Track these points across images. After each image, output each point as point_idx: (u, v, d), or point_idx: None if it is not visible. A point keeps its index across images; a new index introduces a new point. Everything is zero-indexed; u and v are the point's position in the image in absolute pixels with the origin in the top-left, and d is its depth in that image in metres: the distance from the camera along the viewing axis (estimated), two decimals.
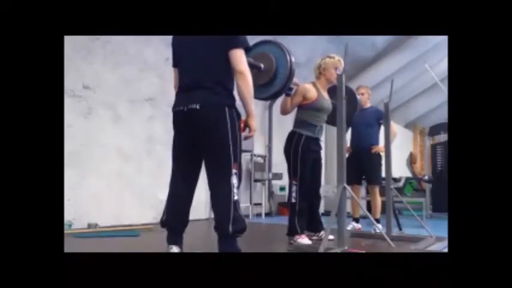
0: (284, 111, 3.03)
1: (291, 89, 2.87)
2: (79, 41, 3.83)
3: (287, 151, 3.00)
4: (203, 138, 1.97)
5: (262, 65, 2.55)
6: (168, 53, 4.54)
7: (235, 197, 1.93)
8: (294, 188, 2.90)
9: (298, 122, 3.04)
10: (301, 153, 2.92)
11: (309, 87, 3.00)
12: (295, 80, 2.83)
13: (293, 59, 2.56)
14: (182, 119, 2.01)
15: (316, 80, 3.10)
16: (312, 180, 3.07)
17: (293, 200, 2.90)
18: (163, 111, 4.67)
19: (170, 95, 4.48)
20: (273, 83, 2.59)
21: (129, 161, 4.31)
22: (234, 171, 1.94)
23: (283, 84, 2.57)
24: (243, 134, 2.07)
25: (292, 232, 2.90)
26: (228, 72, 2.00)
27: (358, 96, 3.94)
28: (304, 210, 2.91)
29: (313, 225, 3.15)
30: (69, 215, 3.58)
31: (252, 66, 2.45)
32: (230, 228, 1.88)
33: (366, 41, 6.57)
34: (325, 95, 3.09)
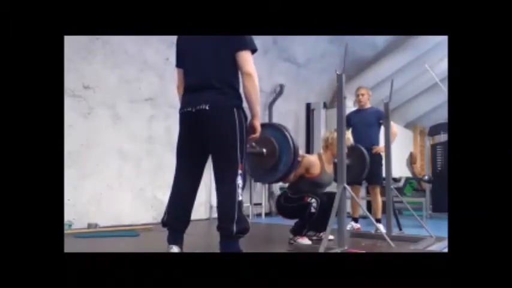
0: (286, 181, 2.99)
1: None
2: (79, 41, 3.83)
3: (282, 210, 2.99)
4: (211, 138, 1.98)
5: (264, 150, 2.52)
6: (168, 53, 4.58)
7: (240, 198, 1.94)
8: (313, 200, 2.81)
9: (292, 187, 3.00)
10: (294, 194, 2.91)
11: (313, 162, 2.98)
12: (300, 152, 2.81)
13: (293, 137, 2.53)
14: (191, 120, 2.01)
15: (323, 153, 3.09)
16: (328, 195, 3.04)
17: (312, 210, 2.79)
18: (163, 111, 4.67)
19: (170, 95, 4.49)
20: (277, 168, 2.57)
21: (129, 161, 4.31)
22: (239, 171, 1.95)
23: (288, 169, 2.56)
24: (248, 135, 2.08)
25: (296, 233, 2.91)
26: (235, 73, 2.00)
27: (360, 97, 3.97)
28: (317, 219, 2.85)
29: (319, 226, 3.13)
30: (69, 215, 3.58)
31: (254, 153, 2.44)
32: (234, 228, 1.89)
33: (366, 41, 6.57)
34: (329, 168, 3.06)
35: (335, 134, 2.93)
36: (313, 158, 3.02)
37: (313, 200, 2.81)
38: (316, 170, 2.97)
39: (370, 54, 6.98)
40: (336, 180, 3.02)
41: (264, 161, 2.43)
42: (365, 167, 3.62)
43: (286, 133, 2.54)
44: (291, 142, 2.52)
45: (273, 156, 2.54)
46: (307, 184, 2.97)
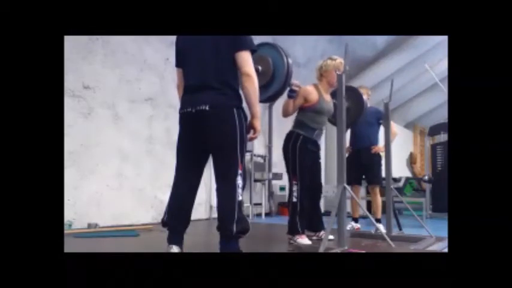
0: (286, 113, 3.03)
1: (294, 91, 2.86)
2: (79, 41, 3.83)
3: (285, 151, 3.01)
4: (211, 138, 1.97)
5: (260, 67, 2.54)
6: (168, 53, 4.58)
7: (240, 198, 1.94)
8: (294, 188, 2.90)
9: (297, 123, 3.04)
10: (299, 152, 2.92)
11: (310, 90, 2.99)
12: (297, 82, 2.83)
13: (290, 61, 2.55)
14: (191, 121, 2.01)
15: (318, 82, 3.09)
16: (313, 179, 3.08)
17: (294, 200, 2.89)
18: (163, 111, 4.68)
19: (170, 95, 4.50)
20: (271, 85, 2.58)
21: (129, 161, 4.31)
22: (239, 171, 1.95)
23: (281, 86, 2.56)
24: (247, 135, 2.08)
25: (292, 231, 2.90)
26: (235, 73, 2.00)
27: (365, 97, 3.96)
28: (305, 209, 2.91)
29: (315, 225, 3.15)
30: (69, 215, 3.58)
31: None
32: (234, 229, 1.89)
33: (366, 41, 6.58)
34: (327, 97, 3.07)
35: (328, 61, 3.02)
36: (309, 87, 3.02)
37: (295, 188, 2.88)
38: (313, 97, 2.97)
39: (370, 54, 6.98)
40: (334, 122, 3.04)
41: (259, 78, 2.46)
42: (362, 108, 3.58)
43: (283, 55, 2.55)
44: (286, 64, 2.53)
45: (267, 74, 2.56)
46: (309, 114, 2.98)
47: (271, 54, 2.60)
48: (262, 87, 2.53)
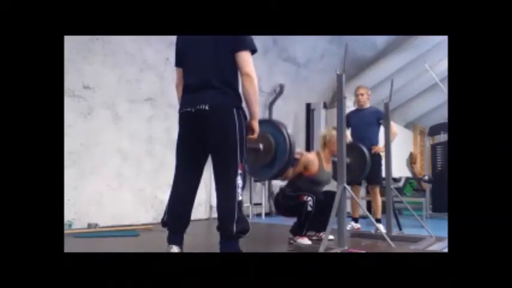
0: (284, 179, 3.02)
1: (295, 159, 2.83)
2: (79, 41, 3.83)
3: (277, 204, 3.06)
4: (211, 139, 1.97)
5: (261, 146, 2.50)
6: (168, 53, 4.58)
7: (240, 198, 1.94)
8: (309, 198, 2.82)
9: (291, 184, 3.02)
10: (292, 192, 2.93)
11: (312, 159, 2.99)
12: (299, 150, 2.82)
13: (290, 132, 2.53)
14: (190, 120, 2.00)
15: (321, 151, 3.10)
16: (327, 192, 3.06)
17: (309, 208, 2.81)
18: (163, 111, 4.68)
19: (170, 95, 4.50)
20: (274, 163, 2.55)
21: (129, 161, 4.31)
22: (239, 171, 1.95)
23: (285, 163, 2.53)
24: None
25: (296, 233, 2.90)
26: (235, 73, 2.00)
27: (360, 97, 3.97)
28: (315, 218, 2.88)
29: (318, 225, 3.14)
30: (69, 215, 3.58)
31: (251, 148, 2.39)
32: (234, 229, 1.89)
33: (366, 41, 6.58)
34: (327, 167, 3.08)
35: (333, 132, 2.94)
36: (311, 156, 3.02)
37: (309, 198, 2.82)
38: (314, 167, 2.97)
39: (370, 54, 6.98)
40: (335, 178, 3.03)
41: (260, 157, 2.41)
42: (365, 167, 3.62)
43: (283, 130, 2.53)
44: (287, 139, 2.51)
45: (269, 152, 2.53)
46: (305, 182, 2.98)
47: (270, 130, 2.55)
48: (266, 166, 2.51)
